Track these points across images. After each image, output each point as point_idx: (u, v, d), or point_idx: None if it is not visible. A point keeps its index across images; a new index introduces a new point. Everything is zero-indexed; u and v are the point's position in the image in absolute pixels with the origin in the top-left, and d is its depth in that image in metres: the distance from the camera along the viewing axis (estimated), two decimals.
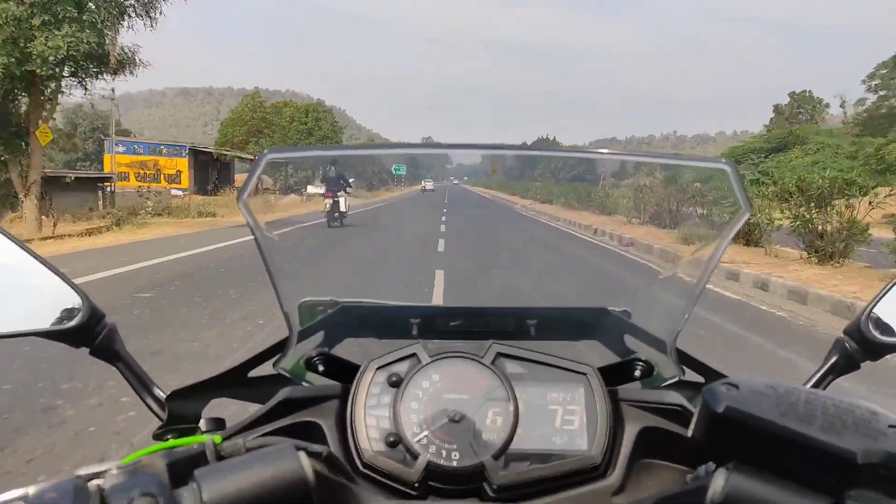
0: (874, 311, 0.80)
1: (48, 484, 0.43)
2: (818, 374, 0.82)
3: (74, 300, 0.76)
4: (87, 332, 0.77)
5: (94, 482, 0.45)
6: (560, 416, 0.76)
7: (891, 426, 0.42)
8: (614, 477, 0.74)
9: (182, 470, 0.49)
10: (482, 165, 1.10)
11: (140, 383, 0.82)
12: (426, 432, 0.73)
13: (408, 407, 0.75)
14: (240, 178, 45.26)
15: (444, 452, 0.72)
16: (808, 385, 0.82)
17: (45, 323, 0.75)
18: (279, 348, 0.85)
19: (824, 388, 0.81)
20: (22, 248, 0.75)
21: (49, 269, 0.76)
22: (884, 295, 0.81)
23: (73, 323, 0.75)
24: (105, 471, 0.46)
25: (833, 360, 0.82)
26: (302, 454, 0.48)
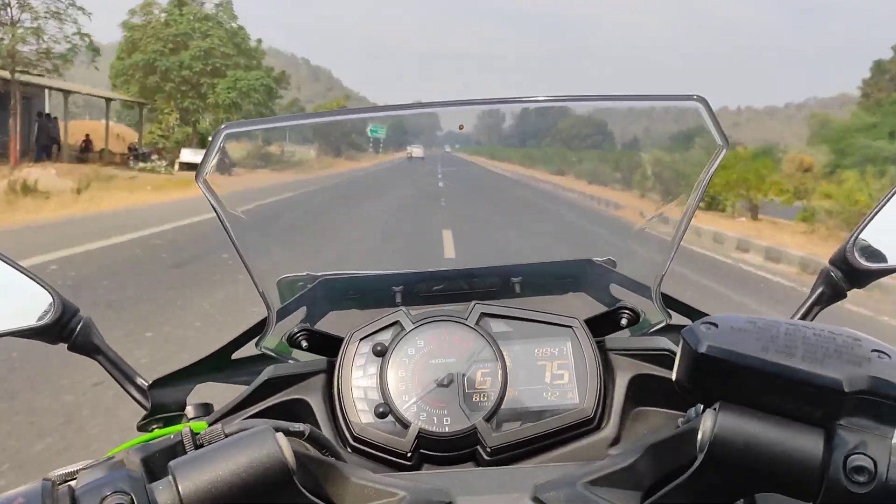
0: (860, 237, 0.78)
1: (16, 490, 0.42)
2: (804, 307, 0.81)
3: (45, 298, 0.76)
4: (62, 329, 0.76)
5: (66, 484, 0.44)
6: (549, 371, 0.76)
7: (874, 350, 0.41)
8: (609, 428, 0.74)
9: (160, 462, 0.48)
10: (477, 132, 1.03)
11: (121, 374, 0.82)
12: (415, 399, 0.73)
13: (395, 375, 0.74)
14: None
15: (434, 419, 0.72)
16: (795, 317, 0.81)
17: (18, 322, 0.75)
18: (261, 328, 0.83)
19: (811, 320, 0.80)
20: None
21: (16, 268, 0.76)
22: (869, 221, 0.78)
23: (46, 320, 0.75)
24: (77, 471, 0.45)
25: (819, 290, 0.80)
26: (280, 435, 0.47)
